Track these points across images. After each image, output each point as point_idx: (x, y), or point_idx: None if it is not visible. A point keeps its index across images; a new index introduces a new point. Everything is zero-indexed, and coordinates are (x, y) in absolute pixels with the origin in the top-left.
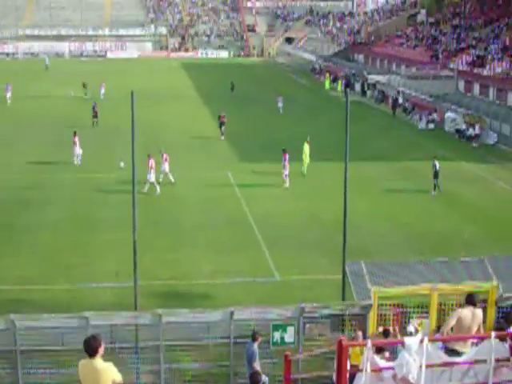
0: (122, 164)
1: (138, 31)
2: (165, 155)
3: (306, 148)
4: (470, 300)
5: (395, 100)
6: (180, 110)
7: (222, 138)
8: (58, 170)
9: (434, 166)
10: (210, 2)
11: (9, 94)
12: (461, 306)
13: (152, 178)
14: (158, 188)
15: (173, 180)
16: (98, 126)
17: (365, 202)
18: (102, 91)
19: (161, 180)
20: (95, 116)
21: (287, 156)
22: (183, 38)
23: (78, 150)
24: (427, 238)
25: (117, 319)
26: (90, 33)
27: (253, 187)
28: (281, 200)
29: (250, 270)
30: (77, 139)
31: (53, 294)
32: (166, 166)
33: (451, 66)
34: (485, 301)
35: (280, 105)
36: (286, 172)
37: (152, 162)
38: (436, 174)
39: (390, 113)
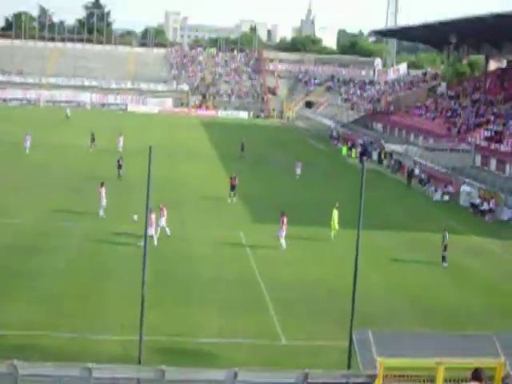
0: (135, 217)
1: (159, 87)
2: (163, 209)
3: (335, 214)
4: (476, 375)
5: (411, 171)
6: (197, 169)
7: (229, 200)
8: (72, 219)
9: (444, 237)
10: (233, 62)
11: (28, 144)
12: (467, 381)
13: (151, 231)
14: (155, 240)
15: (169, 233)
16: (121, 179)
17: (375, 271)
18: (121, 144)
19: (157, 234)
20: (119, 167)
21: (285, 219)
22: (204, 96)
23: (104, 201)
24: (435, 310)
25: (119, 372)
26: (113, 85)
27: (264, 248)
28: (292, 263)
29: (257, 331)
30: (103, 190)
31: (57, 342)
32: (163, 220)
33: (469, 139)
34: (491, 378)
35: (298, 171)
36: (282, 234)
37: (153, 217)
38: (445, 246)
39: (406, 183)
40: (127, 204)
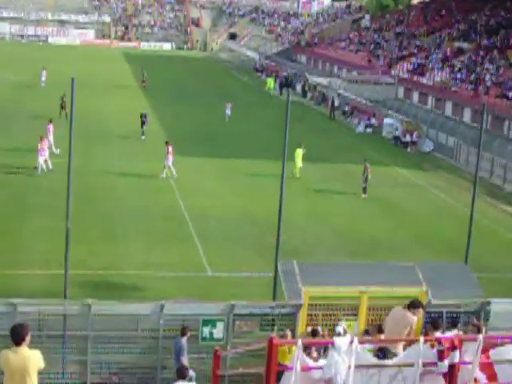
0: (57, 151)
1: (81, 18)
2: (169, 147)
3: (299, 152)
4: (410, 304)
5: (332, 103)
6: (119, 101)
7: (143, 137)
8: None
9: (366, 168)
10: None
11: None
12: (389, 309)
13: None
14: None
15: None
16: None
17: (299, 202)
18: (43, 78)
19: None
20: (62, 107)
21: (170, 148)
22: (126, 27)
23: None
24: (359, 240)
25: (45, 307)
26: (33, 17)
27: (189, 182)
28: (217, 196)
29: (183, 264)
30: (51, 127)
31: None
32: (170, 159)
33: (392, 72)
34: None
35: (228, 112)
36: (166, 163)
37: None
38: (366, 178)
39: (329, 115)
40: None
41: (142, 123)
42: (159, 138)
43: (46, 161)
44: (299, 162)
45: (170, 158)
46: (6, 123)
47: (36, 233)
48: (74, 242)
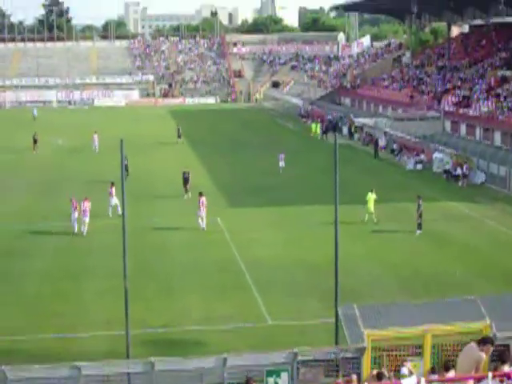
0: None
1: (124, 79)
2: (202, 198)
3: (370, 196)
4: (479, 340)
5: (376, 142)
6: (167, 156)
7: (186, 196)
8: (42, 220)
9: (419, 205)
10: (197, 49)
11: None
12: (454, 346)
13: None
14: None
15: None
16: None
17: (355, 245)
18: (96, 143)
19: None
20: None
21: (203, 199)
22: (170, 85)
23: (114, 201)
24: (417, 278)
25: (109, 368)
26: (78, 81)
27: (243, 232)
28: (272, 245)
29: (242, 315)
30: (113, 190)
31: (42, 344)
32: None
33: (437, 107)
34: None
35: (281, 164)
36: (200, 214)
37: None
38: (421, 214)
39: (378, 155)
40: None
41: (185, 181)
42: (209, 192)
43: (84, 223)
44: (371, 207)
45: (202, 209)
46: (60, 187)
47: (93, 294)
48: (132, 300)
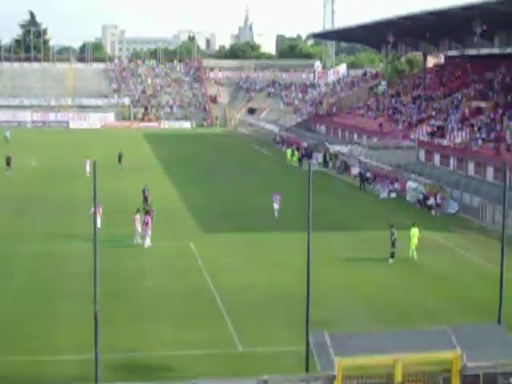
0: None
1: (100, 101)
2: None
3: (414, 232)
4: None
5: (360, 174)
6: (142, 181)
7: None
8: (17, 240)
9: (392, 234)
10: (174, 73)
11: None
12: (424, 374)
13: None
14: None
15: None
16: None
17: (327, 272)
18: (87, 168)
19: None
20: (145, 201)
21: (148, 218)
22: (146, 108)
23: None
24: (389, 308)
25: None
26: (53, 103)
27: (215, 258)
28: (244, 271)
29: (213, 341)
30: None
31: (13, 366)
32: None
33: (412, 136)
34: (449, 370)
35: (276, 206)
36: (138, 231)
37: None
38: (393, 243)
39: (352, 183)
40: (72, 221)
41: (145, 199)
42: (182, 217)
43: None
44: (415, 242)
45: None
46: (34, 208)
47: (66, 317)
48: (102, 324)
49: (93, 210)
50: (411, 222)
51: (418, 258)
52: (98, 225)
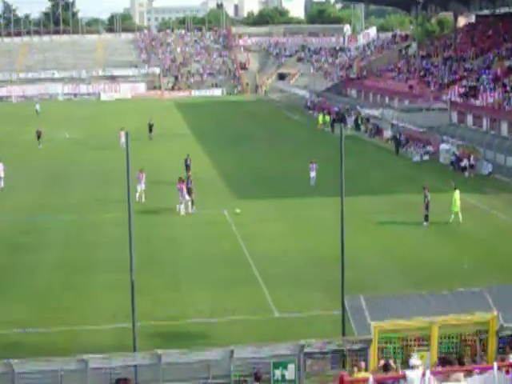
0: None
1: (131, 72)
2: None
3: (457, 195)
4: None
5: (395, 138)
6: (175, 149)
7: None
8: (50, 213)
9: (426, 196)
10: (203, 41)
11: None
12: (462, 336)
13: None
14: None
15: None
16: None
17: (361, 236)
18: (122, 140)
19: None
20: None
21: (181, 185)
22: (176, 77)
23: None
24: (424, 270)
25: (116, 361)
26: (84, 75)
27: (250, 224)
28: (277, 237)
29: (249, 307)
30: (143, 176)
31: (50, 337)
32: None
33: (444, 97)
34: (486, 331)
35: (313, 175)
36: (186, 198)
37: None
38: (427, 205)
39: (385, 146)
40: (106, 191)
41: (187, 167)
42: (215, 184)
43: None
44: (457, 206)
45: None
46: (67, 180)
47: (101, 287)
48: (138, 293)
49: (139, 176)
50: (448, 184)
51: (453, 221)
52: (142, 187)
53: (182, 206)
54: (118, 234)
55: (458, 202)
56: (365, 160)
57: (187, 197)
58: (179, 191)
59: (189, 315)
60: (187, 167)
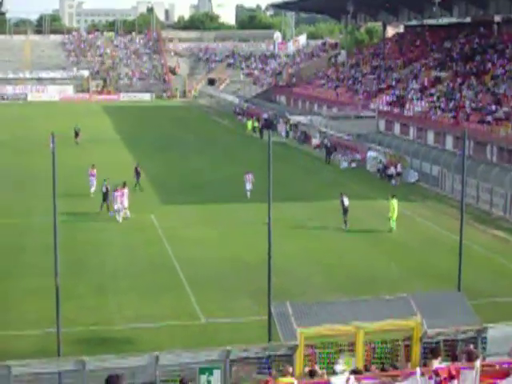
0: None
1: (59, 74)
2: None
3: (394, 203)
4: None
5: (326, 146)
6: (101, 154)
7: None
8: None
9: (342, 202)
10: (133, 45)
11: None
12: (385, 343)
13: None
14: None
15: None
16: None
17: (288, 242)
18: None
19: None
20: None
21: (117, 193)
22: (105, 80)
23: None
24: (351, 276)
25: (39, 367)
26: (11, 75)
27: (176, 230)
28: (206, 243)
29: (175, 313)
30: (95, 171)
31: None
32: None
33: (372, 106)
34: (409, 338)
35: (248, 187)
36: (116, 206)
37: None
38: (345, 211)
39: (313, 153)
40: (30, 196)
41: (137, 175)
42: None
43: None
44: (394, 214)
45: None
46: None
47: (25, 292)
48: (64, 299)
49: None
50: (375, 191)
51: (379, 227)
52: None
53: (121, 214)
54: (44, 239)
55: (396, 210)
56: (293, 166)
57: (126, 204)
58: (115, 198)
59: (114, 321)
60: (138, 174)
